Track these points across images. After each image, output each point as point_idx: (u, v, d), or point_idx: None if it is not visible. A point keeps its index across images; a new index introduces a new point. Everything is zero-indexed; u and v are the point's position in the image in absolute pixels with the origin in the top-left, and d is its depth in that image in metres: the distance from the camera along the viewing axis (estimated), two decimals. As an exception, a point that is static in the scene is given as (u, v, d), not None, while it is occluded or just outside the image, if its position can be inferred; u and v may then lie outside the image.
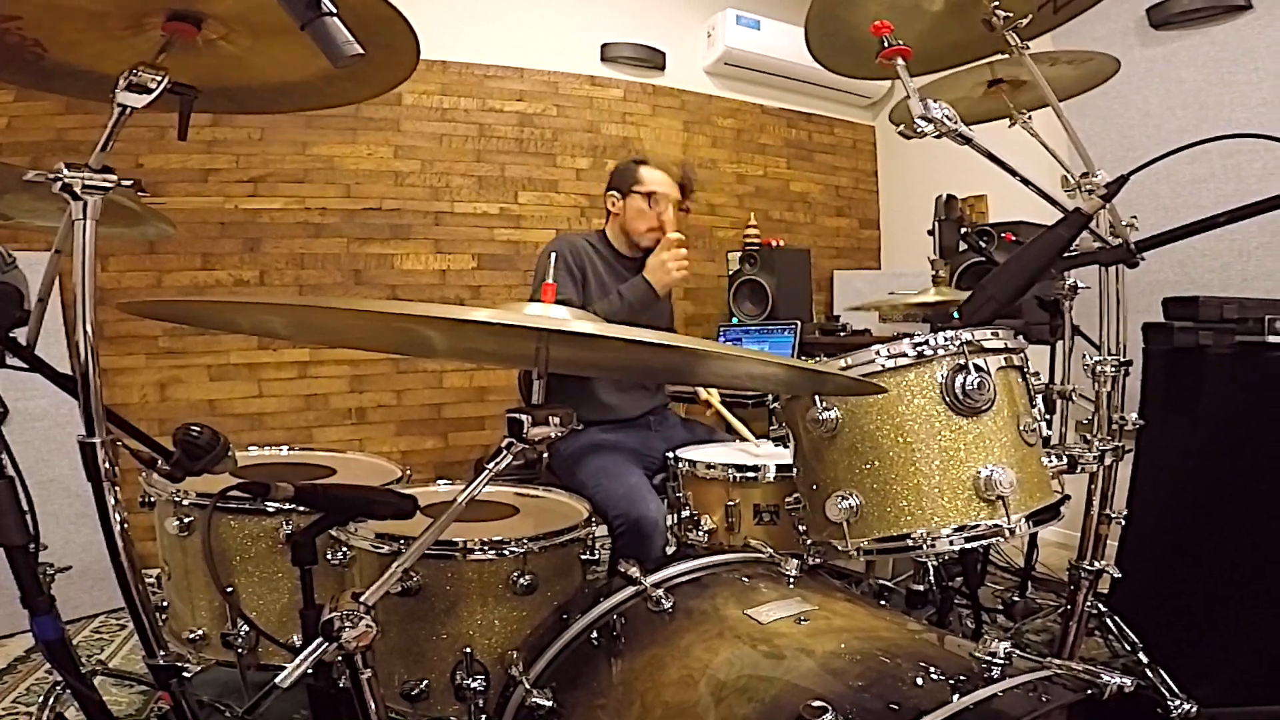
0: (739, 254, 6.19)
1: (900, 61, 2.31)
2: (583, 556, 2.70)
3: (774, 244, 6.29)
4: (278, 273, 5.34)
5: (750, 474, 2.96)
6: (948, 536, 2.10)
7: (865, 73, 2.61)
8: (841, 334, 6.05)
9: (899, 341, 2.19)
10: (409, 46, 2.05)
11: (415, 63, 2.11)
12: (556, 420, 1.73)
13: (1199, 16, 4.67)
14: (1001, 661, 1.65)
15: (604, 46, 6.31)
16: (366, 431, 5.55)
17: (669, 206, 3.96)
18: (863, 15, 2.46)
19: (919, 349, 2.17)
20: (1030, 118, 2.89)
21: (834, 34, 2.56)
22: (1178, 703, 1.74)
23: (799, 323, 5.76)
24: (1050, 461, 2.30)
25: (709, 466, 3.04)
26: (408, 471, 3.15)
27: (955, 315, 2.80)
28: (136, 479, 2.84)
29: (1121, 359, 2.61)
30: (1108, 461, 2.58)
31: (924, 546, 2.11)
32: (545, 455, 3.74)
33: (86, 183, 1.92)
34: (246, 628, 2.67)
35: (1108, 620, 3.07)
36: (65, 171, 1.91)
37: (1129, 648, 2.99)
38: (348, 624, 1.63)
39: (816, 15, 2.51)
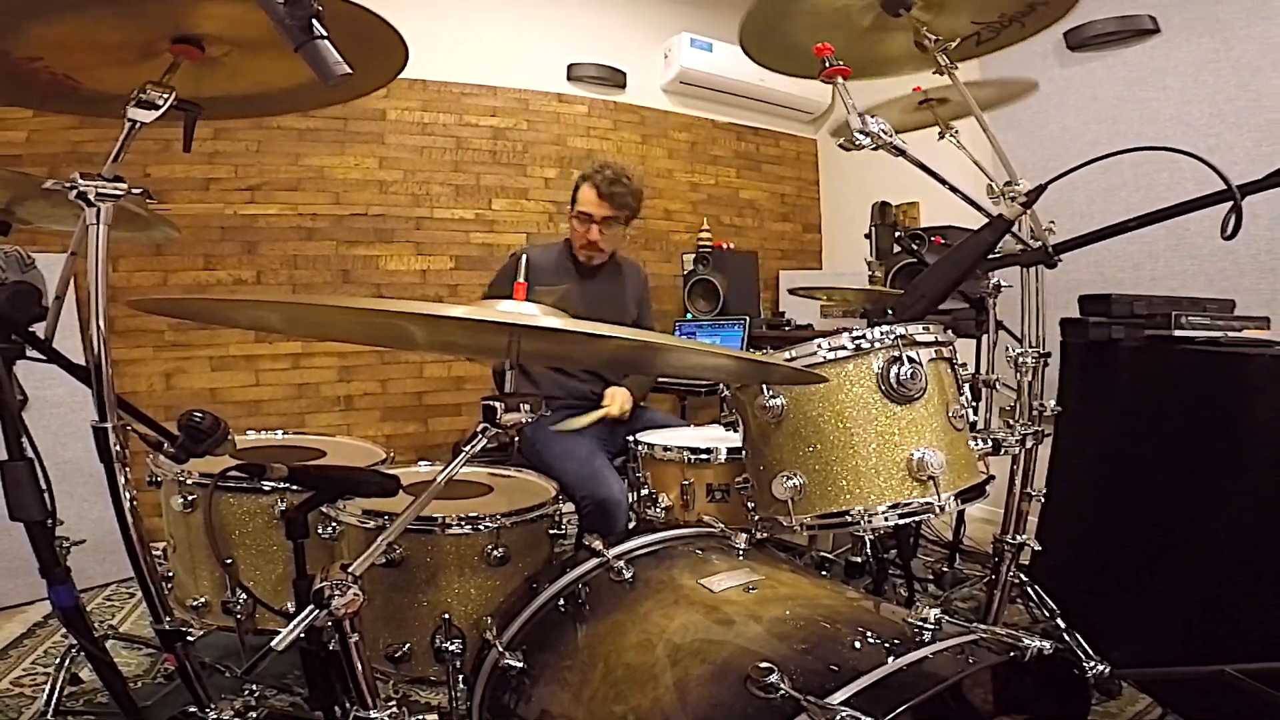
0: (693, 255, 6.23)
1: (840, 80, 2.33)
2: (551, 531, 2.70)
3: (725, 246, 6.37)
4: (273, 273, 5.31)
5: (703, 456, 2.98)
6: (883, 513, 2.12)
7: (800, 71, 2.60)
8: (786, 328, 6.09)
9: (839, 335, 2.19)
10: (396, 48, 2.05)
11: (403, 62, 2.10)
12: (527, 407, 1.76)
13: (1112, 39, 4.69)
14: (932, 627, 1.68)
15: (570, 66, 6.29)
16: (354, 417, 5.53)
17: (596, 225, 3.98)
18: (796, 23, 2.48)
19: (857, 342, 2.17)
20: (958, 131, 2.90)
21: (770, 39, 2.56)
22: (1093, 664, 1.77)
23: (748, 318, 5.79)
24: (976, 445, 2.32)
25: (666, 449, 3.05)
26: (391, 454, 3.14)
27: (890, 311, 2.82)
28: (144, 460, 2.85)
29: (1041, 351, 2.63)
30: (1029, 445, 2.60)
31: (862, 522, 2.12)
32: (516, 439, 3.76)
33: (100, 191, 1.93)
34: (245, 596, 2.67)
35: (1029, 589, 3.09)
36: (80, 181, 1.92)
37: (1048, 614, 3.01)
38: (337, 593, 1.64)
39: (753, 21, 2.50)
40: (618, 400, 3.88)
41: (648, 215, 6.47)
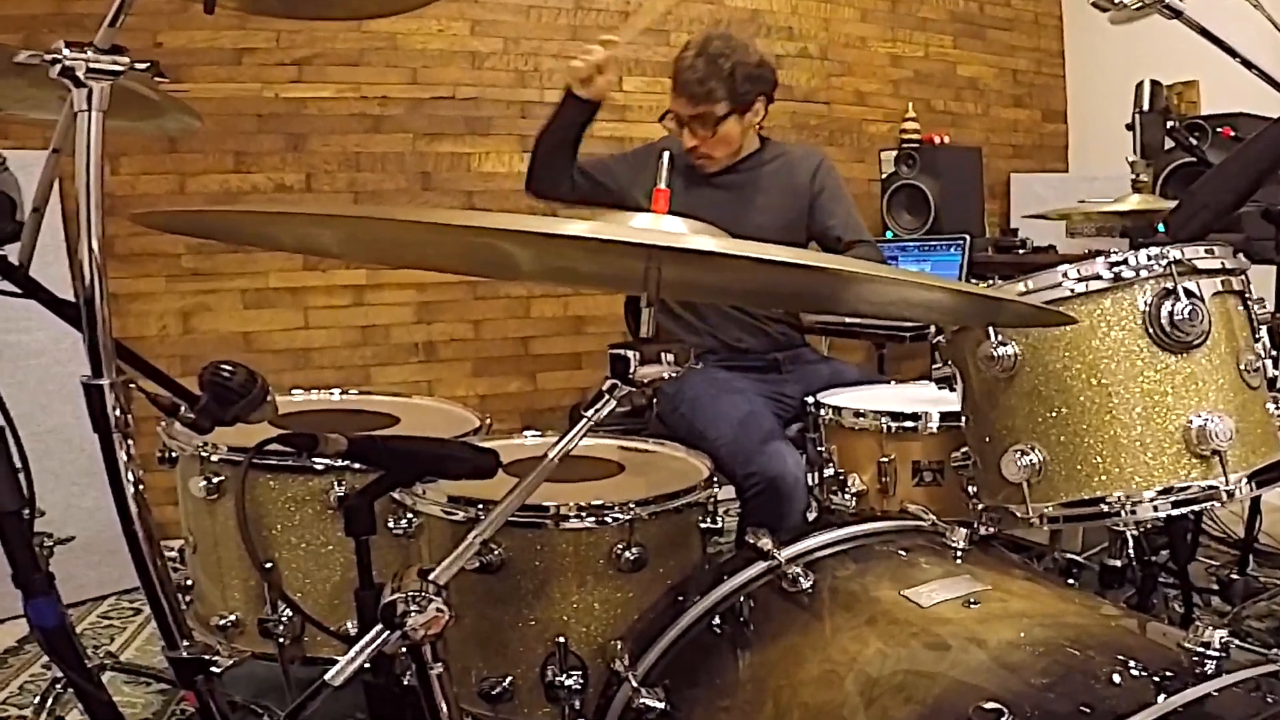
0: (894, 154, 6.22)
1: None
2: (702, 524, 2.67)
3: (937, 141, 6.32)
4: (328, 176, 5.38)
5: (909, 424, 2.95)
6: (1151, 500, 2.09)
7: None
8: (1020, 251, 6.07)
9: (1091, 261, 2.15)
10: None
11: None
12: (670, 357, 1.71)
13: None
14: (1217, 654, 1.62)
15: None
16: (437, 371, 5.61)
17: (684, 127, 3.92)
18: None
19: (1116, 270, 2.13)
20: (1252, -16, 2.80)
21: None
22: None
23: (968, 238, 5.75)
24: (1278, 409, 2.25)
25: (858, 414, 3.02)
26: (487, 420, 3.16)
27: (1160, 229, 2.74)
28: (154, 429, 2.88)
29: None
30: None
31: (1122, 512, 2.10)
32: (655, 401, 3.75)
33: (92, 66, 1.90)
34: (289, 612, 2.69)
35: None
36: (66, 52, 1.91)
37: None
38: (414, 608, 1.62)
39: None
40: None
41: (834, 100, 6.42)
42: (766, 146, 4.19)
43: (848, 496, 2.99)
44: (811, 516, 3.25)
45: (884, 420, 2.96)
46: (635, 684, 2.01)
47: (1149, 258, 2.13)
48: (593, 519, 2.47)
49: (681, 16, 6.08)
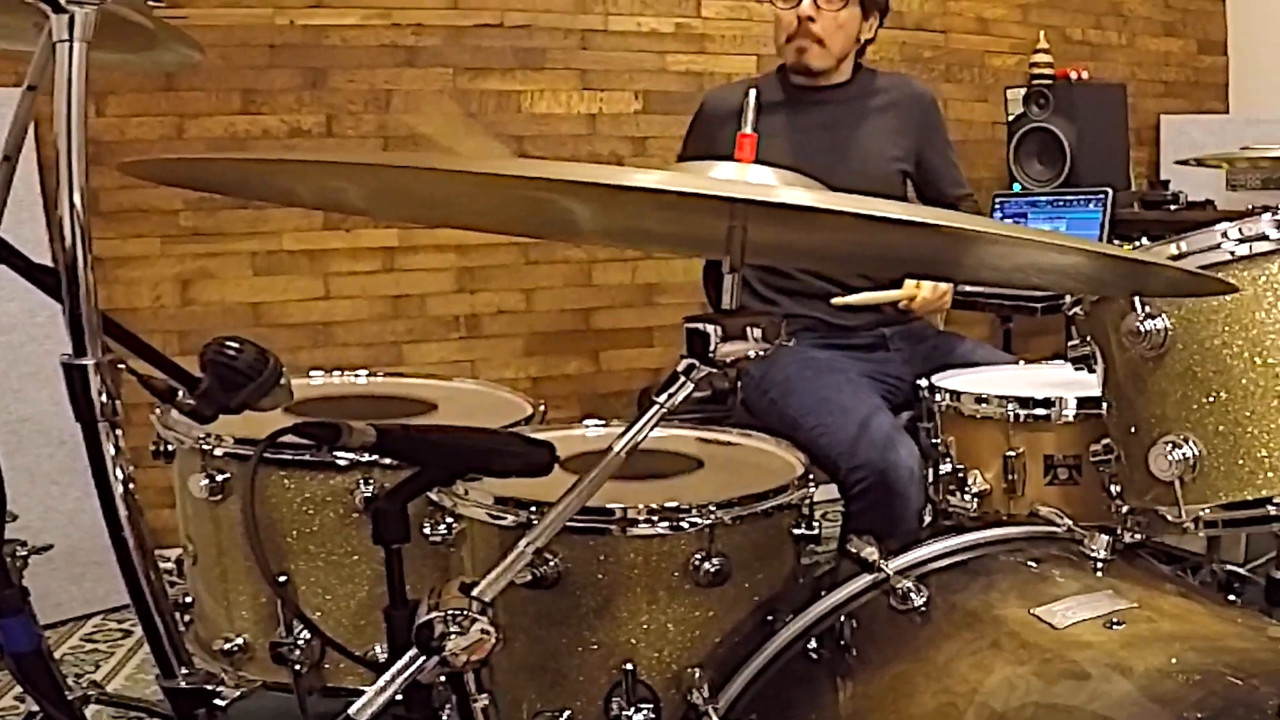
0: (1023, 91, 6.23)
1: None
2: (796, 530, 2.63)
3: (1074, 76, 6.29)
4: (353, 118, 5.39)
5: (1040, 411, 2.94)
6: (1328, 502, 2.07)
7: None
8: (1173, 207, 6.09)
9: (1256, 218, 2.14)
10: None
11: None
12: (758, 333, 1.69)
13: None
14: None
15: None
16: (481, 349, 5.64)
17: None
18: None
19: (1286, 230, 2.12)
20: None
21: None
22: None
23: (1110, 191, 5.77)
24: None
25: (980, 400, 3.02)
26: (541, 407, 3.15)
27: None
28: (147, 418, 2.88)
29: None
30: None
31: (1292, 516, 2.08)
32: (739, 384, 3.71)
33: (74, -12, 1.92)
34: (307, 634, 2.68)
35: None
36: (43, -31, 1.92)
37: None
38: (454, 629, 1.62)
39: None
40: (927, 290, 3.83)
41: (951, 29, 6.42)
42: (868, 75, 4.20)
43: (968, 497, 2.99)
44: (926, 520, 3.24)
45: (1010, 407, 2.95)
46: (718, 717, 2.01)
47: (1327, 213, 2.11)
48: (666, 524, 2.43)
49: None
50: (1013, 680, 1.80)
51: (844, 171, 3.69)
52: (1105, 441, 2.46)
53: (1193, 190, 6.05)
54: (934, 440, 3.12)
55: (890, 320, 4.02)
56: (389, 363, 5.27)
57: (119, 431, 1.89)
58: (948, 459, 3.07)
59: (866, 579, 2.12)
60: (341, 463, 2.69)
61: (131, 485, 1.89)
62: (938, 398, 3.10)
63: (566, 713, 2.43)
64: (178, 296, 5.05)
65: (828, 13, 3.86)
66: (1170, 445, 2.15)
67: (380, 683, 1.60)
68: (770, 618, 2.18)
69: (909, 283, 3.81)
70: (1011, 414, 2.94)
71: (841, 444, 3.32)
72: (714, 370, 1.68)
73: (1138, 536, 2.30)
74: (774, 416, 3.57)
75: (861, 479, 3.28)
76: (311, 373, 3.36)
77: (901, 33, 6.35)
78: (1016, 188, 6.09)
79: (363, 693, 1.60)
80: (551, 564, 2.38)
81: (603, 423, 3.20)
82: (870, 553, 2.14)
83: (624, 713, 2.32)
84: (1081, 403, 2.88)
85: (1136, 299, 2.18)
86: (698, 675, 2.13)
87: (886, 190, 4.00)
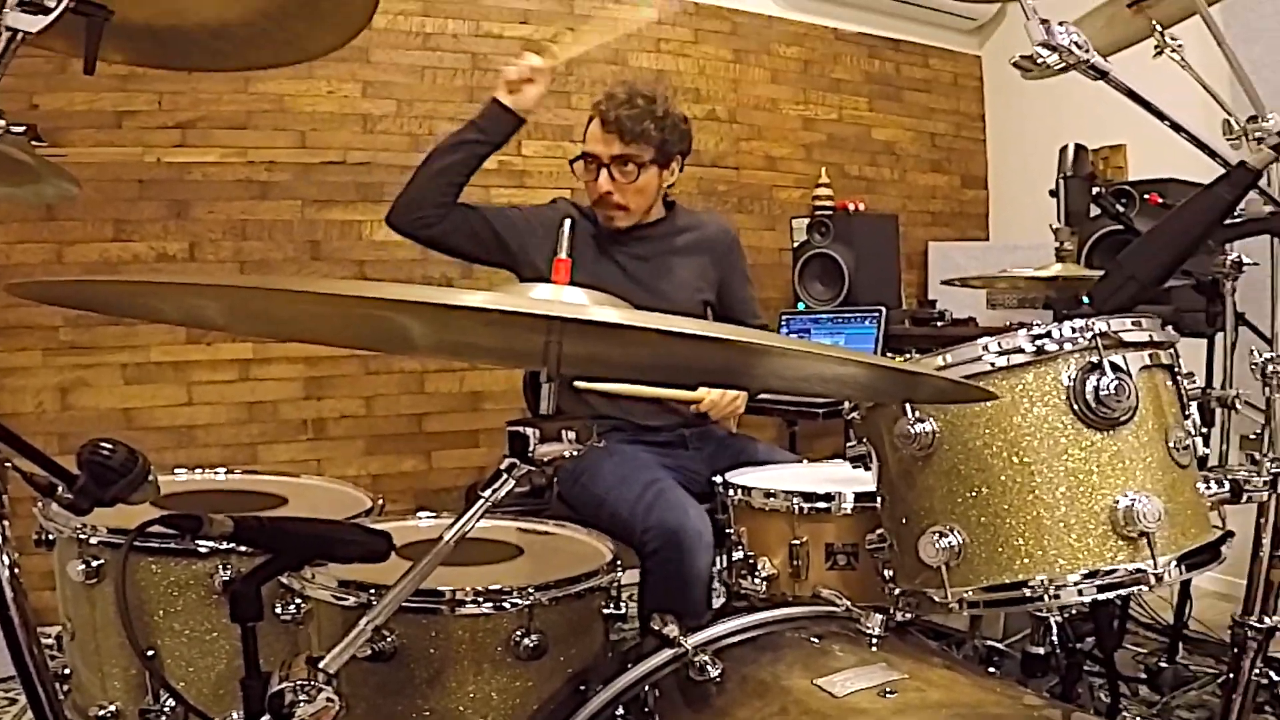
0: (806, 221, 6.30)
1: (1015, -26, 2.31)
2: (605, 610, 2.66)
3: (852, 208, 6.37)
4: (212, 245, 5.37)
5: (821, 504, 2.94)
6: (1076, 585, 2.09)
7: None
8: (939, 324, 6.14)
9: (1013, 334, 2.17)
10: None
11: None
12: (572, 435, 1.73)
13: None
14: (1146, 746, 1.66)
15: (633, -48, 6.32)
16: (326, 449, 5.60)
17: (606, 169, 3.86)
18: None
19: (1039, 343, 2.15)
20: (1181, 44, 2.83)
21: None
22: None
23: (884, 309, 5.82)
24: (1208, 489, 2.28)
25: (768, 495, 3.01)
26: (379, 501, 3.14)
27: (1086, 300, 2.79)
28: (30, 510, 2.82)
29: (1300, 355, 2.60)
30: (1283, 488, 2.56)
31: (1045, 597, 2.10)
32: (555, 480, 3.69)
33: (-40, 128, 1.93)
34: (172, 702, 2.66)
35: (1282, 692, 3.06)
36: (-69, 113, 1.92)
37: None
38: (303, 698, 1.63)
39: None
40: (715, 394, 3.88)
41: (743, 165, 6.49)
42: (677, 213, 4.22)
43: (758, 581, 2.97)
44: (719, 600, 3.25)
45: (795, 500, 2.95)
46: (535, 779, 2.02)
47: (1073, 330, 2.15)
48: (490, 604, 2.46)
49: (583, 78, 6.16)
50: (797, 745, 1.81)
51: (651, 298, 3.77)
52: (880, 531, 2.46)
53: (957, 308, 6.13)
54: (728, 530, 3.12)
55: (690, 422, 4.03)
56: (245, 462, 5.25)
57: (6, 522, 1.95)
58: (740, 546, 3.06)
59: (668, 653, 2.14)
60: (203, 550, 2.68)
61: (16, 570, 1.94)
62: (731, 492, 3.10)
63: (402, 774, 2.44)
64: (58, 403, 5.01)
65: (625, 184, 3.88)
66: (937, 535, 2.18)
67: (236, 746, 1.61)
68: (583, 688, 2.18)
69: (702, 389, 3.86)
70: (796, 507, 2.94)
71: (637, 509, 3.36)
72: (533, 468, 1.73)
73: (908, 615, 2.31)
74: (583, 497, 3.59)
75: (653, 539, 3.31)
76: (176, 470, 3.32)
77: (699, 169, 6.46)
78: (801, 306, 6.15)
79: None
80: (389, 639, 2.39)
81: (434, 514, 3.20)
82: (671, 630, 2.17)
83: (455, 775, 2.32)
84: (859, 497, 2.89)
85: (907, 405, 2.22)
86: (520, 740, 2.14)
87: (694, 314, 4.05)
